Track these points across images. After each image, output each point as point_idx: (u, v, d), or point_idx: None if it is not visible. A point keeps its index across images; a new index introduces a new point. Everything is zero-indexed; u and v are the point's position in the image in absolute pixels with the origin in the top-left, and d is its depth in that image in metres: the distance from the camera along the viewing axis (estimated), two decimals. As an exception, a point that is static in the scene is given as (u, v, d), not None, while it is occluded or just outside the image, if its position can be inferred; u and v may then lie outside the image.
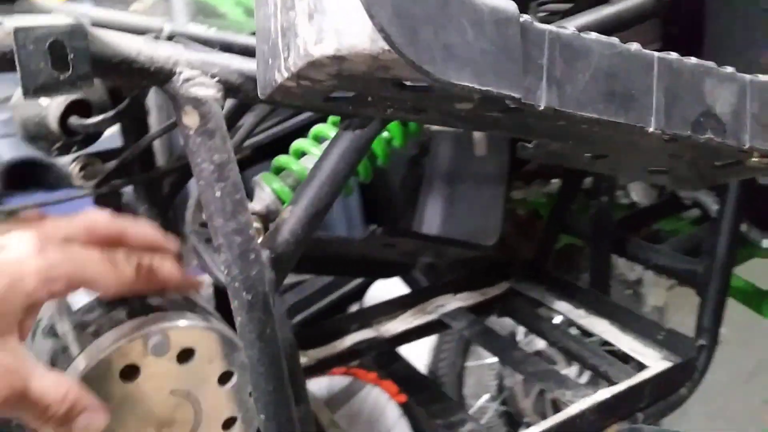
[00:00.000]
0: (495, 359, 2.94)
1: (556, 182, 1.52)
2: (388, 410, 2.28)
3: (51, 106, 0.73)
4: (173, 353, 0.65)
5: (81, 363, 0.63)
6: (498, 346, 1.12)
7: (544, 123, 0.48)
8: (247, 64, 0.58)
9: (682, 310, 1.79)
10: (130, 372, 0.64)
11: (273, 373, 0.62)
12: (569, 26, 0.39)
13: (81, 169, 0.83)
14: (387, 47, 0.36)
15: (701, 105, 0.44)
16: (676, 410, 0.97)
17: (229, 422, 0.70)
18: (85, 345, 0.64)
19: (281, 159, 0.79)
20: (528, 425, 1.80)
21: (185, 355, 0.66)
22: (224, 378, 0.69)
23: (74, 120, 0.72)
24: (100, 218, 0.62)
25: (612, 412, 0.92)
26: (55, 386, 0.55)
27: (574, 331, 1.16)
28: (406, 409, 2.90)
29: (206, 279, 0.89)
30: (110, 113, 0.69)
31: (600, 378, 1.03)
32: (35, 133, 0.75)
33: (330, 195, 0.64)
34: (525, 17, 0.37)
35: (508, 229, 1.39)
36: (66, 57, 0.48)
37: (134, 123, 0.87)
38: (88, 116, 0.73)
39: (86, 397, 0.58)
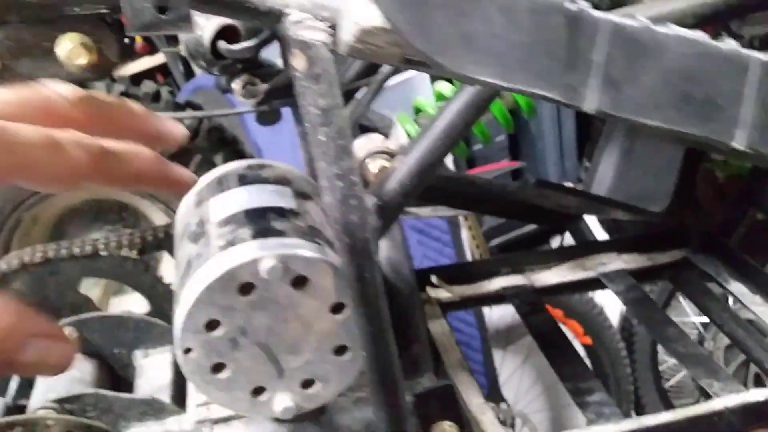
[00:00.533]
0: (700, 318, 2.76)
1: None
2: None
3: (205, 29, 0.77)
4: (287, 278, 0.69)
5: (203, 274, 0.69)
6: (652, 318, 1.04)
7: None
8: (358, 7, 0.57)
9: None
10: (248, 288, 0.69)
11: (372, 314, 0.64)
12: (640, 15, 0.33)
13: (243, 86, 0.88)
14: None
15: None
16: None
17: (340, 350, 0.74)
18: (210, 257, 0.70)
19: (420, 101, 0.78)
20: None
21: (300, 281, 0.70)
22: (336, 309, 0.72)
23: (222, 45, 0.76)
24: (60, 98, 0.47)
25: (760, 417, 0.84)
26: None
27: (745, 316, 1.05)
28: (591, 352, 2.83)
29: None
30: (251, 42, 0.72)
31: (765, 375, 0.94)
32: (194, 52, 0.81)
33: (443, 149, 0.63)
34: (576, 4, 0.32)
35: (703, 192, 1.27)
36: (167, -3, 0.50)
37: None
38: (237, 41, 0.76)
39: (37, 322, 0.42)
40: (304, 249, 0.70)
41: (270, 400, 0.75)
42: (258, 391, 0.75)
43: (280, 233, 0.72)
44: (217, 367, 0.72)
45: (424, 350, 0.84)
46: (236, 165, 0.87)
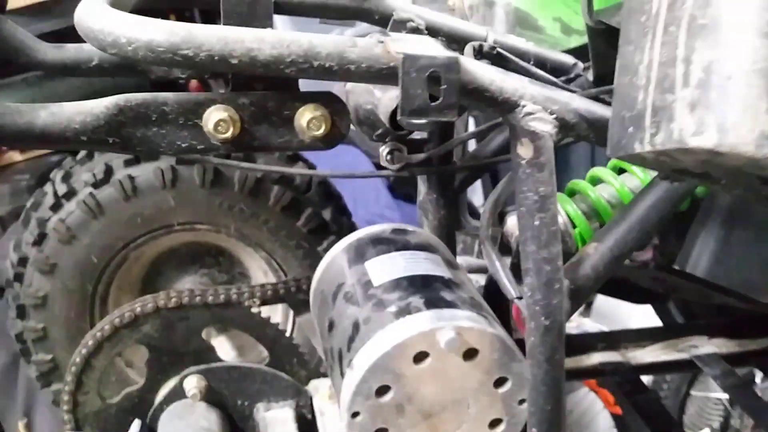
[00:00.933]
0: (722, 394, 2.76)
1: None
2: (600, 418, 2.24)
3: (383, 100, 0.80)
4: (461, 350, 0.71)
5: (381, 340, 0.71)
6: (754, 409, 1.06)
7: None
8: (584, 105, 0.60)
9: None
10: (421, 357, 0.71)
11: (553, 395, 0.65)
12: None
13: (389, 153, 0.91)
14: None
15: None
16: None
17: (494, 423, 0.75)
18: (386, 324, 0.72)
19: (577, 183, 0.81)
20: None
21: (470, 354, 0.71)
22: (499, 382, 0.73)
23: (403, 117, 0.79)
24: None
25: None
26: None
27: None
28: (619, 422, 2.81)
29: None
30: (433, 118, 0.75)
31: None
32: (363, 119, 0.84)
33: (636, 240, 0.66)
34: None
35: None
36: (439, 86, 0.53)
37: (441, 122, 0.93)
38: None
39: None
40: (478, 322, 0.72)
41: (420, 466, 0.76)
42: (411, 456, 0.76)
43: (451, 304, 0.74)
44: (380, 432, 0.74)
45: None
46: (381, 228, 0.90)
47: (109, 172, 1.17)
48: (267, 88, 0.60)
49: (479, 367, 0.72)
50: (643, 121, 0.45)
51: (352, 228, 1.24)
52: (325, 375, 1.00)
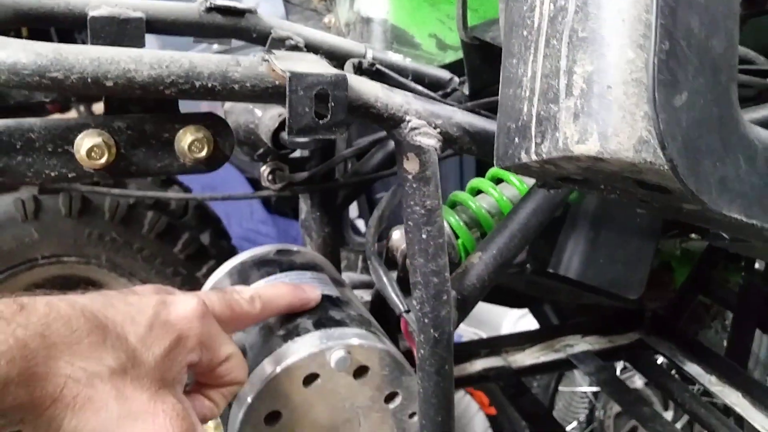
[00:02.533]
0: (589, 388, 2.91)
1: (695, 238, 1.49)
2: (477, 420, 2.29)
3: (263, 119, 0.79)
4: (352, 368, 0.70)
5: (269, 364, 0.69)
6: (627, 401, 1.12)
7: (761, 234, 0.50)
8: (466, 118, 0.62)
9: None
10: (311, 379, 0.69)
11: (444, 406, 0.66)
12: None
13: (270, 173, 0.90)
14: (651, 160, 0.39)
15: None
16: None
17: (386, 438, 0.75)
18: (274, 348, 0.70)
19: (458, 194, 0.82)
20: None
21: (360, 371, 0.71)
22: (389, 397, 0.73)
23: (284, 135, 0.78)
24: (246, 303, 0.68)
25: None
26: None
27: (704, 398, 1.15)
28: (494, 422, 2.90)
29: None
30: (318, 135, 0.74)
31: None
32: (244, 138, 0.82)
33: (518, 247, 0.68)
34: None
35: (657, 278, 1.38)
36: (326, 104, 0.53)
37: (323, 140, 0.93)
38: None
39: None
40: (368, 339, 0.72)
41: (317, 491, 0.75)
42: (306, 481, 0.74)
43: (340, 323, 0.73)
44: (272, 459, 0.72)
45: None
46: (265, 250, 0.88)
47: (-39, 205, 1.08)
48: (144, 110, 0.58)
49: (369, 384, 0.72)
50: (528, 131, 0.46)
51: (233, 251, 1.21)
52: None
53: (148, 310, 0.57)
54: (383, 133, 0.94)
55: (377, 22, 1.00)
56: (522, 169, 0.50)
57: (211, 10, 0.75)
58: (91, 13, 0.58)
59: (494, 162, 0.52)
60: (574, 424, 2.44)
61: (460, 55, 1.01)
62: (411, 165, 0.60)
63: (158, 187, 1.14)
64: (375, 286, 0.86)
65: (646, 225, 1.14)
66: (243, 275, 0.84)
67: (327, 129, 0.53)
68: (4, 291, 1.17)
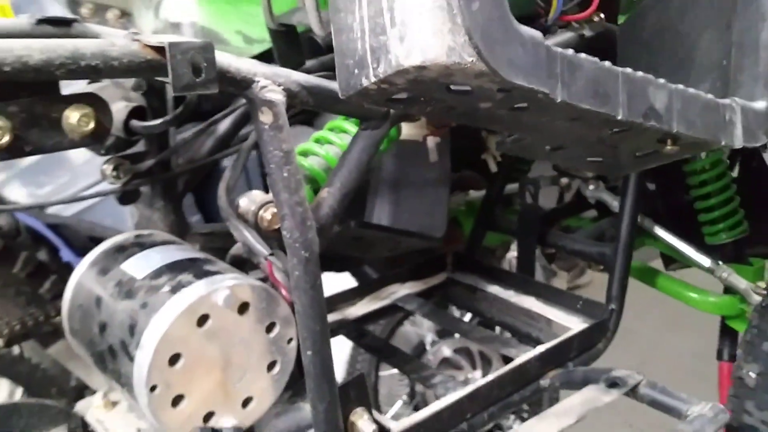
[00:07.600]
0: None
1: (473, 193, 1.76)
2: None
3: (114, 110, 0.88)
4: (236, 306, 0.82)
5: (167, 313, 0.79)
6: (447, 321, 1.33)
7: (531, 119, 0.70)
8: (302, 77, 0.77)
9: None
10: (203, 320, 0.80)
11: (320, 315, 0.79)
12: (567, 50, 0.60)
13: (114, 168, 0.98)
14: (458, 60, 0.57)
15: (647, 102, 0.68)
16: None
17: (271, 365, 0.87)
18: (165, 300, 0.80)
19: (306, 145, 0.97)
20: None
21: (243, 308, 0.83)
22: (269, 328, 0.86)
23: (135, 122, 0.87)
24: None
25: (549, 361, 1.14)
26: None
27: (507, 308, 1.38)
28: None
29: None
30: (169, 117, 0.85)
31: (533, 342, 1.26)
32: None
33: (357, 179, 0.83)
34: (547, 43, 0.58)
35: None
36: (200, 66, 0.65)
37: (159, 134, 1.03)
38: (144, 120, 0.89)
39: None
40: (246, 279, 0.84)
41: (217, 424, 0.85)
42: (208, 417, 0.84)
43: (216, 273, 0.85)
44: (177, 400, 0.81)
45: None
46: (124, 237, 0.96)
47: None
48: (32, 94, 0.66)
49: (252, 318, 0.84)
50: (365, 61, 0.62)
51: (69, 265, 1.24)
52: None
53: None
54: (204, 123, 1.06)
55: (187, 26, 1.11)
56: (362, 95, 0.65)
57: (41, 22, 0.83)
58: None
59: (340, 94, 0.67)
60: (399, 402, 2.65)
61: (265, 46, 1.15)
62: (266, 117, 0.73)
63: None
64: (231, 249, 0.97)
65: (436, 177, 1.35)
66: (109, 261, 0.92)
67: (203, 85, 0.65)
68: None
